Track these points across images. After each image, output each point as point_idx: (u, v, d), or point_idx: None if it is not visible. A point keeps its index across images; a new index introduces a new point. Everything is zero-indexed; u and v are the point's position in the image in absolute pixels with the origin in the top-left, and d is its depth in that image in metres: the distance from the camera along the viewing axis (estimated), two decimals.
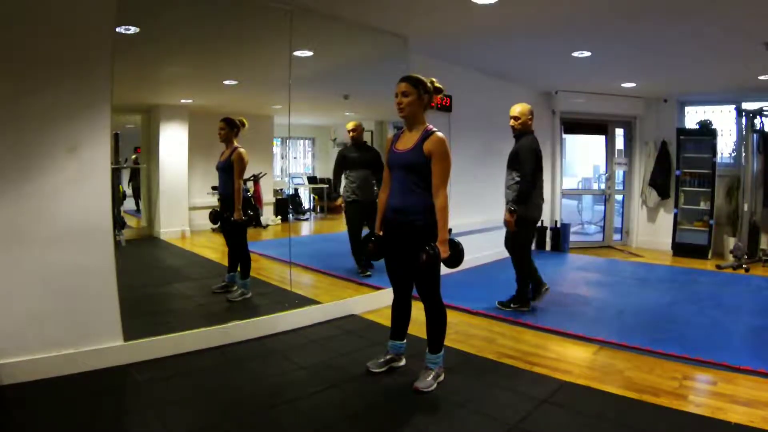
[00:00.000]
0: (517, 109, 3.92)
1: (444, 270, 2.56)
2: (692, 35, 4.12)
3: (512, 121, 3.93)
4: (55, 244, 2.60)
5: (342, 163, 4.98)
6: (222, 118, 3.84)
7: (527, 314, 3.97)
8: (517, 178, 3.88)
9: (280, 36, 3.69)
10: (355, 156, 4.89)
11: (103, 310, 2.77)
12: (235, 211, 3.73)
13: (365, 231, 4.50)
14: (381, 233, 2.75)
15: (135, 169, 4.40)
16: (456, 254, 2.55)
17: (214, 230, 4.47)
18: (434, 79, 2.65)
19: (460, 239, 2.59)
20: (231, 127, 3.81)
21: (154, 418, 2.30)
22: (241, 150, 3.77)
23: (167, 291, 4.02)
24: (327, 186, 9.44)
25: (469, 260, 5.90)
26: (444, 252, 2.48)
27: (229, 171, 3.75)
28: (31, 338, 2.55)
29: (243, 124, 3.87)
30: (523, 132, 3.92)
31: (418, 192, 2.54)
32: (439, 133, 2.54)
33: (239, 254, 3.93)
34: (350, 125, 4.94)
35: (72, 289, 2.65)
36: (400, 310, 2.82)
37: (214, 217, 3.90)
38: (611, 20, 3.83)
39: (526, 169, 3.83)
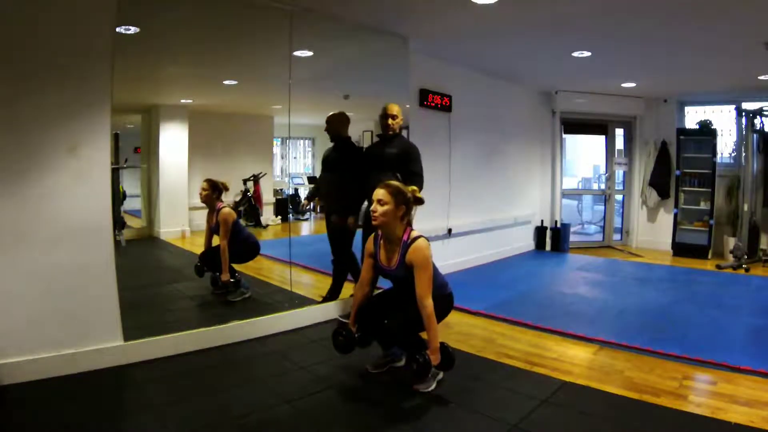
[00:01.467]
0: (395, 108, 3.71)
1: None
2: (692, 35, 4.12)
3: (391, 120, 3.68)
4: (55, 244, 2.60)
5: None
6: (206, 179, 3.83)
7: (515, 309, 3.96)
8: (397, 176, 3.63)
9: (280, 36, 3.69)
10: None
11: (102, 310, 2.77)
12: (222, 273, 3.74)
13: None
14: (354, 328, 2.69)
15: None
16: (447, 360, 2.56)
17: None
18: (416, 189, 2.60)
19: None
20: (213, 190, 3.80)
21: (154, 418, 2.29)
22: (225, 210, 3.78)
23: (167, 291, 4.02)
24: None
25: (470, 260, 5.94)
26: (435, 360, 2.47)
27: (218, 232, 3.77)
28: (31, 338, 2.55)
29: (226, 188, 3.88)
30: (396, 133, 3.76)
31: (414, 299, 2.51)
32: (419, 241, 2.49)
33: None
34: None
35: (72, 289, 2.65)
36: (375, 334, 2.76)
37: (199, 270, 3.85)
38: (611, 20, 3.83)
39: (419, 168, 3.68)
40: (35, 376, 2.54)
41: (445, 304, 2.65)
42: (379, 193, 2.49)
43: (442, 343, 2.54)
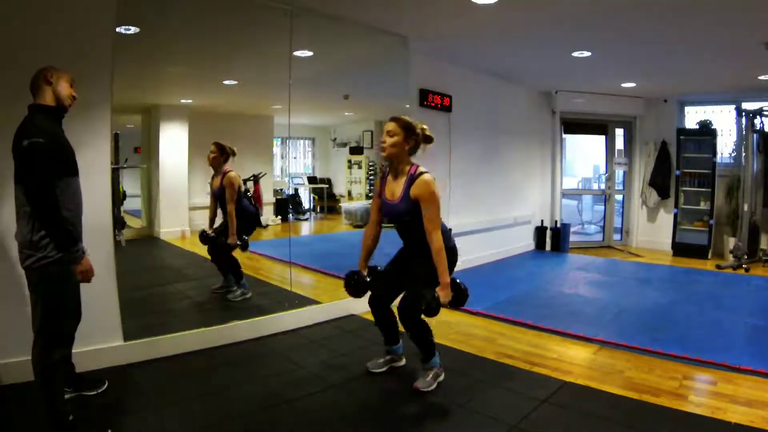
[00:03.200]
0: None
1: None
2: (692, 35, 4.12)
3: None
4: None
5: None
6: (213, 142, 3.82)
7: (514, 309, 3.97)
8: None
9: (280, 36, 3.69)
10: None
11: (103, 310, 2.77)
12: (230, 236, 3.73)
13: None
14: (365, 272, 2.71)
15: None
16: (459, 296, 2.50)
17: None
18: (425, 126, 2.59)
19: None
20: (221, 152, 3.80)
21: (154, 418, 2.30)
22: (232, 174, 3.77)
23: (167, 291, 4.02)
24: (327, 186, 9.45)
25: (470, 260, 5.93)
26: (446, 296, 2.42)
27: (222, 196, 3.77)
28: (32, 338, 2.55)
29: (233, 153, 3.86)
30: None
31: (422, 236, 2.47)
32: (426, 175, 2.48)
33: (227, 264, 3.92)
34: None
35: None
36: (384, 322, 2.79)
37: (204, 238, 3.85)
38: (611, 20, 3.82)
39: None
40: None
41: (450, 256, 2.54)
42: (390, 125, 2.51)
43: (453, 279, 2.48)
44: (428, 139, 2.59)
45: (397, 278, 2.66)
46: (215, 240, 3.84)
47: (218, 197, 3.85)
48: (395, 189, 2.55)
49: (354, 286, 2.70)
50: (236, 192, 3.76)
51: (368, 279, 2.69)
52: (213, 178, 3.89)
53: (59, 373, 2.08)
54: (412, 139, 2.53)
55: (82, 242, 2.18)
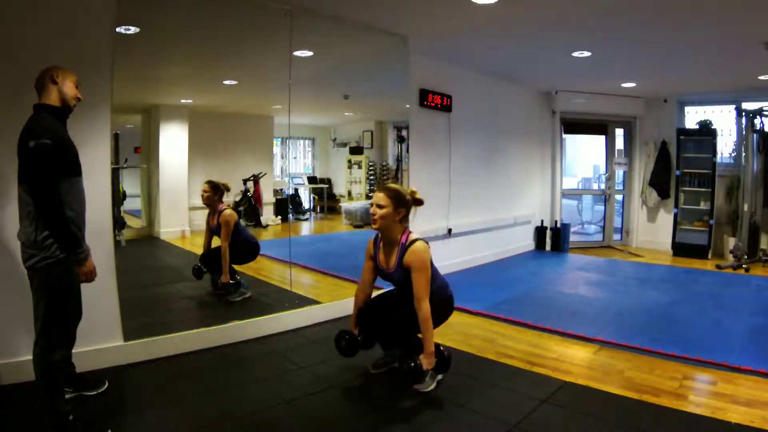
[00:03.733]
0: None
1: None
2: (692, 35, 4.12)
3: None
4: None
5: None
6: (207, 180, 3.81)
7: (521, 312, 3.97)
8: None
9: (280, 36, 3.69)
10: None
11: (103, 310, 2.77)
12: (223, 274, 3.73)
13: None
14: (356, 332, 2.72)
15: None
16: (443, 364, 2.58)
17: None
18: (415, 191, 2.61)
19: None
20: (215, 191, 3.79)
21: (154, 418, 2.29)
22: (226, 212, 3.77)
23: (167, 291, 4.02)
24: (327, 186, 9.46)
25: (470, 260, 5.94)
26: (429, 364, 2.48)
27: (219, 233, 3.77)
28: (32, 338, 2.55)
29: (227, 189, 3.88)
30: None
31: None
32: (417, 244, 2.50)
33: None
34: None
35: None
36: (375, 337, 2.77)
37: (197, 272, 3.83)
38: (611, 20, 3.83)
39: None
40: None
41: (445, 306, 2.66)
42: (379, 196, 2.52)
43: (437, 346, 2.54)
44: (418, 203, 2.61)
45: (387, 309, 2.68)
46: (210, 275, 3.86)
47: (215, 233, 3.85)
48: (389, 258, 2.60)
49: (345, 346, 2.69)
50: (231, 230, 3.76)
51: (360, 339, 2.70)
52: (209, 215, 3.89)
53: (60, 374, 2.09)
54: (402, 207, 2.54)
55: (86, 242, 2.18)
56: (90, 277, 2.12)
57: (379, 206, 2.51)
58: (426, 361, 2.45)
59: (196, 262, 3.91)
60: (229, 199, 4.06)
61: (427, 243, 2.55)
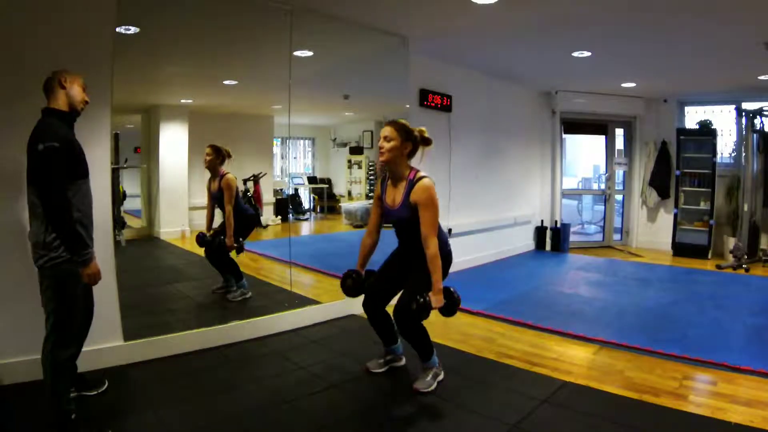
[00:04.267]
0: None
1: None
2: (692, 35, 4.12)
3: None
4: None
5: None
6: (209, 144, 3.82)
7: (524, 313, 3.97)
8: None
9: (280, 36, 3.69)
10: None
11: (103, 310, 2.76)
12: (227, 237, 3.73)
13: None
14: (362, 272, 2.73)
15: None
16: (451, 303, 2.49)
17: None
18: (423, 129, 2.59)
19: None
20: (217, 154, 3.80)
21: (154, 418, 2.30)
22: (229, 176, 3.78)
23: (167, 291, 4.02)
24: (327, 186, 9.46)
25: (470, 260, 5.94)
26: (438, 302, 2.42)
27: (221, 198, 3.77)
28: (32, 338, 2.55)
29: (229, 155, 3.87)
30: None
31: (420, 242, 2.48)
32: (425, 180, 2.48)
33: (225, 266, 3.92)
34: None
35: None
36: (379, 322, 2.78)
37: (201, 241, 3.85)
38: (611, 20, 3.83)
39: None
40: (36, 377, 2.53)
41: (445, 261, 2.55)
42: (386, 129, 2.51)
43: (447, 288, 2.48)
44: (426, 142, 2.58)
45: (393, 281, 2.67)
46: (212, 242, 3.84)
47: (216, 199, 3.86)
48: (396, 195, 2.56)
49: (351, 285, 2.71)
50: (234, 194, 3.77)
51: (364, 279, 2.71)
52: (210, 180, 3.89)
53: (67, 372, 2.12)
54: (410, 142, 2.53)
55: (93, 243, 2.20)
56: (93, 279, 2.13)
57: (387, 139, 2.49)
58: (434, 299, 2.40)
59: (197, 258, 3.91)
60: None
61: (433, 181, 2.50)
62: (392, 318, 2.63)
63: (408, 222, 2.51)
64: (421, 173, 2.52)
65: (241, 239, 3.84)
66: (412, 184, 2.48)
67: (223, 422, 2.28)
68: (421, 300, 2.38)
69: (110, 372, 2.72)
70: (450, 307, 2.48)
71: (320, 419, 2.34)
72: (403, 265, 2.64)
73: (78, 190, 2.12)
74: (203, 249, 3.95)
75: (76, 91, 2.18)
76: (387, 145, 2.49)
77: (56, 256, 2.04)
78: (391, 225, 2.71)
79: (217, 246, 3.82)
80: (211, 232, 3.93)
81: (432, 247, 2.41)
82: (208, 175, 4.01)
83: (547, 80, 6.55)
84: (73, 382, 2.41)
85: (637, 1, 3.39)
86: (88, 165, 2.22)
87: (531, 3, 3.50)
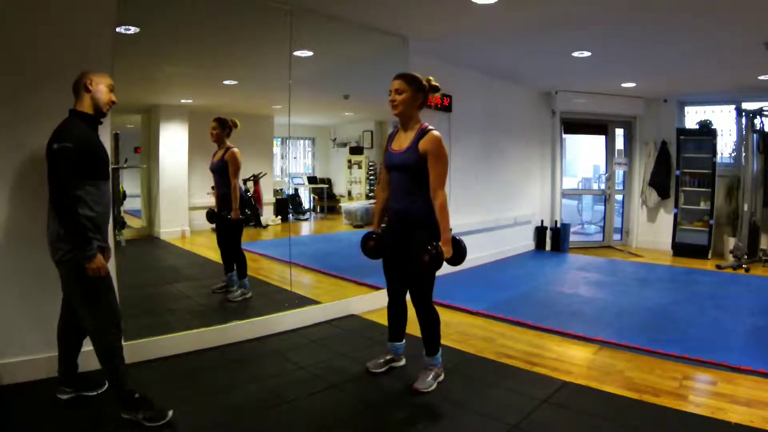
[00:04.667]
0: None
1: (444, 269, 2.55)
2: (692, 35, 4.12)
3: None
4: None
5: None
6: (214, 118, 3.83)
7: (523, 312, 3.97)
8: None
9: (280, 36, 3.69)
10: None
11: None
12: (232, 211, 3.74)
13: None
14: (380, 231, 2.74)
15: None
16: (459, 252, 2.52)
17: (213, 230, 4.47)
18: (431, 78, 2.61)
19: (460, 239, 2.58)
20: (223, 128, 3.80)
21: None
22: (235, 150, 3.77)
23: (167, 291, 4.02)
24: (327, 186, 9.46)
25: (470, 260, 5.91)
26: (447, 252, 2.45)
27: (224, 171, 3.76)
28: (31, 338, 2.55)
29: (235, 125, 3.86)
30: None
31: (418, 194, 2.51)
32: (435, 132, 2.50)
33: (233, 254, 3.93)
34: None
35: None
36: (396, 312, 2.81)
37: (210, 216, 3.90)
38: (611, 20, 3.83)
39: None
40: (36, 376, 2.54)
41: (436, 226, 2.53)
42: (396, 82, 2.53)
43: (454, 237, 2.50)
44: (435, 89, 2.62)
45: (403, 265, 2.64)
46: (219, 216, 3.84)
47: (217, 171, 3.83)
48: (403, 141, 2.57)
49: (373, 246, 2.71)
50: (238, 168, 3.77)
51: (380, 239, 2.71)
52: (214, 154, 3.88)
53: (119, 352, 2.25)
54: (421, 92, 2.55)
55: (107, 241, 2.30)
56: (96, 273, 2.16)
57: (398, 92, 2.52)
58: (445, 249, 2.43)
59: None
60: None
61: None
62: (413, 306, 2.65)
63: (410, 168, 2.51)
64: (431, 127, 2.54)
65: (247, 210, 3.87)
66: (423, 133, 2.51)
67: (223, 422, 2.28)
68: (434, 251, 2.39)
69: None
70: (458, 257, 2.52)
71: (320, 419, 2.34)
72: (406, 241, 2.57)
73: (96, 190, 2.19)
74: (215, 232, 3.94)
75: (102, 93, 2.23)
76: (399, 98, 2.52)
77: (71, 248, 2.12)
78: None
79: (225, 222, 3.82)
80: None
81: (441, 197, 2.46)
82: (208, 175, 4.01)
83: (547, 80, 6.55)
84: (72, 383, 2.42)
85: (637, 1, 3.39)
86: (109, 167, 2.30)
87: (531, 3, 3.50)
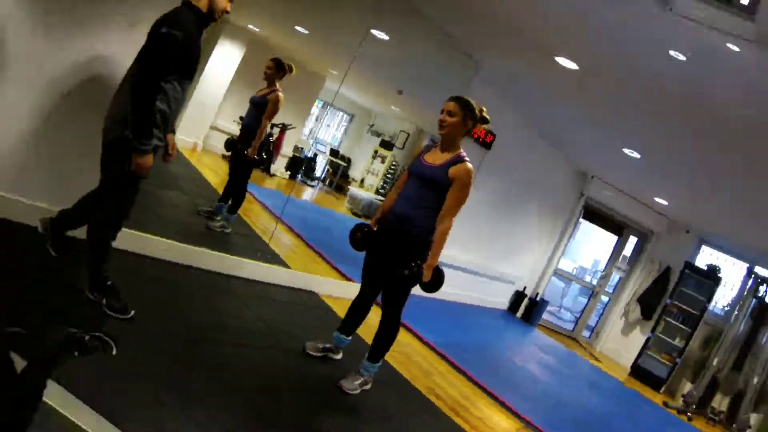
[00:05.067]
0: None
1: (415, 292, 2.55)
2: (744, 182, 4.08)
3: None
4: None
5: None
6: (272, 57, 3.80)
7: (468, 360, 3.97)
8: None
9: (364, 6, 3.68)
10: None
11: None
12: (251, 148, 3.73)
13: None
14: (375, 228, 2.73)
15: None
16: (436, 281, 2.52)
17: (224, 157, 4.47)
18: (484, 108, 2.61)
19: (444, 267, 2.58)
20: (278, 69, 3.77)
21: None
22: (280, 93, 3.74)
23: (159, 194, 4.01)
24: (345, 165, 9.44)
25: (443, 292, 5.91)
26: (426, 276, 2.46)
27: (261, 108, 3.74)
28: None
29: (291, 69, 3.82)
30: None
31: (427, 208, 2.52)
32: (470, 164, 2.51)
33: (236, 189, 3.92)
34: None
35: None
36: (359, 311, 2.80)
37: (228, 144, 3.89)
38: (674, 136, 3.81)
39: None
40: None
41: (437, 276, 2.58)
42: (450, 105, 2.52)
43: (437, 266, 2.51)
44: (484, 121, 2.63)
45: (381, 274, 2.65)
46: (235, 147, 3.82)
47: (256, 105, 3.78)
48: (437, 158, 2.57)
49: (360, 238, 2.68)
50: (275, 111, 3.74)
51: (370, 234, 2.68)
52: (261, 89, 3.84)
53: (109, 245, 2.21)
54: (471, 120, 2.55)
55: (163, 142, 2.25)
56: (138, 168, 2.09)
57: (450, 113, 2.51)
58: (426, 272, 2.45)
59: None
60: None
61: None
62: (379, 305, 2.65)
63: (433, 184, 2.52)
64: (468, 158, 2.55)
65: (264, 154, 3.84)
66: (458, 160, 2.52)
67: (181, 339, 2.25)
68: (414, 269, 2.42)
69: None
70: (435, 284, 2.53)
71: (244, 375, 2.32)
72: (391, 260, 2.58)
73: (179, 87, 2.13)
74: (226, 160, 3.90)
75: None
76: (449, 120, 2.51)
77: (129, 134, 2.02)
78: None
79: (239, 154, 3.80)
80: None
81: (446, 224, 2.51)
82: (241, 105, 4.00)
83: (590, 162, 6.55)
84: (61, 247, 2.38)
85: (703, 130, 3.38)
86: (195, 71, 2.21)
87: (607, 82, 3.49)
